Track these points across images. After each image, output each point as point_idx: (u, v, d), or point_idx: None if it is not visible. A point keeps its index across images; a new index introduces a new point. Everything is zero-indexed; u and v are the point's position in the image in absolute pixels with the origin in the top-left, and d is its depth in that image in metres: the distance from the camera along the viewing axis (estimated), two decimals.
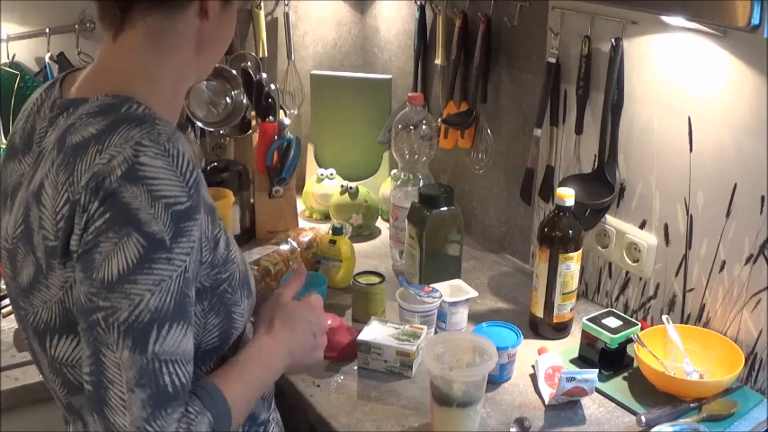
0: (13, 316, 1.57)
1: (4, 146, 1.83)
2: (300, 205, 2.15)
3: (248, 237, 1.99)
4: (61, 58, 1.89)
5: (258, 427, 1.12)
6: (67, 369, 0.95)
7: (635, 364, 1.44)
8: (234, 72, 2.00)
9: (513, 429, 1.30)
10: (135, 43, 0.97)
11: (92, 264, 0.85)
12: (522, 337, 1.45)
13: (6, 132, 1.84)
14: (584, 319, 1.47)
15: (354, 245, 1.82)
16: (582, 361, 1.48)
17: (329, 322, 1.48)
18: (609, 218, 1.64)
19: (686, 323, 1.52)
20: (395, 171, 1.94)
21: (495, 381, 1.41)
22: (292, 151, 1.94)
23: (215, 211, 0.96)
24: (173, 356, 0.86)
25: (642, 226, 1.58)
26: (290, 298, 1.14)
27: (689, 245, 1.49)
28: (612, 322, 1.45)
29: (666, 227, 1.53)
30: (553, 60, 1.65)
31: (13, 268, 0.98)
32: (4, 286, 1.64)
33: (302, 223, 2.08)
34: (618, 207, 1.63)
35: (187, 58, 1.00)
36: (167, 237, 0.85)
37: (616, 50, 1.50)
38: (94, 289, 0.84)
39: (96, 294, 0.84)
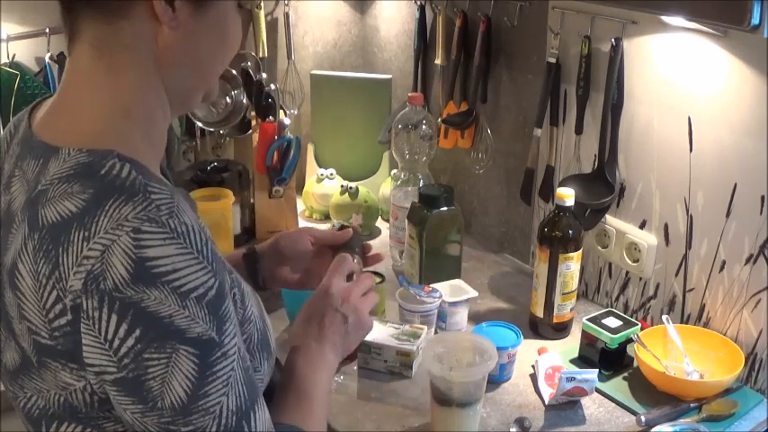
0: None
1: None
2: (300, 205, 2.15)
3: (248, 237, 1.99)
4: (61, 58, 1.88)
5: None
6: None
7: (635, 364, 1.44)
8: (234, 72, 2.00)
9: (513, 429, 1.30)
10: (84, 61, 0.83)
11: (148, 392, 0.74)
12: (522, 337, 1.45)
13: None
14: (584, 319, 1.47)
15: None
16: (582, 361, 1.48)
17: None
18: (609, 218, 1.64)
19: (686, 323, 1.52)
20: (395, 171, 1.94)
21: (495, 381, 1.41)
22: (292, 151, 1.94)
23: (225, 264, 0.84)
24: None
25: (642, 226, 1.58)
26: (334, 287, 1.11)
27: (689, 245, 1.49)
28: (612, 322, 1.45)
29: (666, 227, 1.53)
30: (553, 60, 1.65)
31: None
32: None
33: (302, 223, 2.08)
34: (618, 207, 1.63)
35: (148, 77, 0.84)
36: (214, 333, 0.76)
37: (616, 50, 1.50)
38: (167, 417, 0.75)
39: (173, 422, 0.76)
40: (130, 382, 0.74)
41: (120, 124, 0.83)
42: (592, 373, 1.32)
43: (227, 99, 2.02)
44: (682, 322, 1.52)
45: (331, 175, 2.12)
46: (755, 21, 1.11)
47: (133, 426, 0.78)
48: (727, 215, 1.41)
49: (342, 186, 2.03)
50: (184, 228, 0.75)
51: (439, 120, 1.94)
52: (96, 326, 0.73)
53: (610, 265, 1.68)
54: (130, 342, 0.73)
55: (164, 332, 0.73)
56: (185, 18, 0.83)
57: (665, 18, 1.40)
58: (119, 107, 0.83)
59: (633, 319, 1.48)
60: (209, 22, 0.85)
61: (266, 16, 2.16)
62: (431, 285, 1.58)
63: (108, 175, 0.77)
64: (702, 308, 1.49)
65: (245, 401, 0.80)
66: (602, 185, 1.59)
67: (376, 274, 1.63)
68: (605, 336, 1.42)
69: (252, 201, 2.01)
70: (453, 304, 1.55)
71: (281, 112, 2.01)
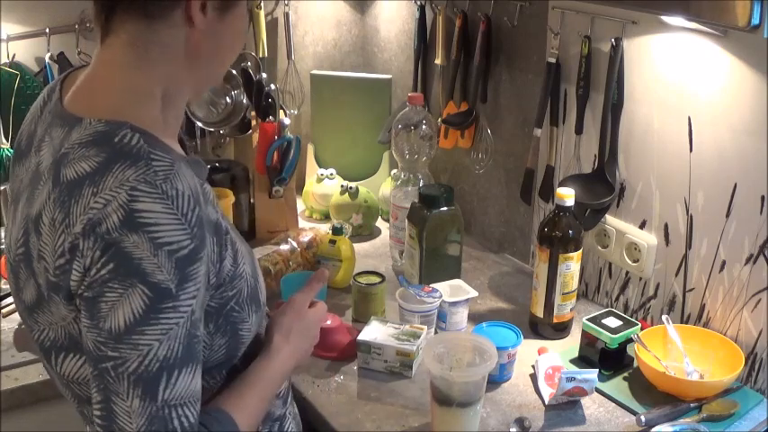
0: (12, 316, 1.57)
1: (4, 146, 1.83)
2: (300, 205, 2.15)
3: (248, 237, 1.99)
4: (61, 58, 1.89)
5: (273, 423, 1.12)
6: (74, 385, 0.96)
7: (635, 364, 1.44)
8: (234, 72, 2.00)
9: (513, 429, 1.30)
10: (117, 53, 0.93)
11: (98, 312, 0.84)
12: (522, 337, 1.45)
13: (6, 132, 1.84)
14: (584, 319, 1.47)
15: (354, 245, 1.82)
16: (582, 361, 1.48)
17: (329, 322, 1.49)
18: (609, 218, 1.64)
19: (686, 323, 1.52)
20: (395, 171, 1.94)
21: (495, 381, 1.41)
22: (292, 151, 1.94)
23: (221, 226, 0.94)
24: (182, 400, 0.87)
25: (642, 226, 1.58)
26: (307, 305, 1.15)
27: (689, 245, 1.49)
28: (612, 322, 1.45)
29: (666, 227, 1.53)
30: (553, 60, 1.65)
31: (16, 283, 0.98)
32: (5, 285, 1.64)
33: (302, 223, 2.08)
34: (618, 207, 1.63)
35: (176, 70, 0.95)
36: (173, 285, 0.84)
37: (616, 50, 1.50)
38: (102, 338, 0.84)
39: (104, 344, 0.84)
40: (89, 300, 0.85)
41: (143, 104, 0.93)
42: (592, 373, 1.32)
43: (227, 99, 2.02)
44: (682, 322, 1.53)
45: (331, 175, 2.12)
46: (755, 21, 1.12)
47: (82, 337, 0.88)
48: (727, 215, 1.41)
49: (342, 186, 2.03)
50: (175, 192, 0.86)
51: (439, 120, 1.94)
52: (83, 260, 0.85)
53: (610, 265, 1.68)
54: (103, 272, 0.84)
55: (131, 270, 0.83)
56: (212, 20, 0.94)
57: (665, 18, 1.40)
58: (145, 92, 0.94)
59: (633, 319, 1.48)
60: (229, 22, 0.96)
61: (266, 16, 2.16)
62: (431, 285, 1.58)
63: (120, 142, 0.88)
64: (702, 308, 1.49)
65: (174, 358, 0.86)
66: (602, 185, 1.59)
67: (376, 274, 1.64)
68: (605, 336, 1.42)
69: (252, 201, 2.01)
70: (453, 304, 1.55)
71: (281, 112, 2.01)
